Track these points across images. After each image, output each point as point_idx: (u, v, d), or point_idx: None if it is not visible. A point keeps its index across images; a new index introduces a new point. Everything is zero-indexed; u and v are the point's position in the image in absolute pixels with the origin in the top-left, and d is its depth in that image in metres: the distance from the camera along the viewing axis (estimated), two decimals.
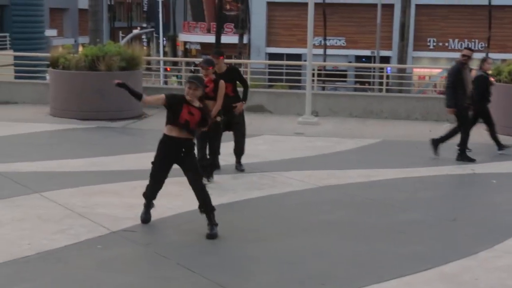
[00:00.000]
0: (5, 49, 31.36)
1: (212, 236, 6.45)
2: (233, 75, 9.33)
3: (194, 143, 6.74)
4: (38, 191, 7.99)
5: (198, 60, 22.42)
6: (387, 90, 16.85)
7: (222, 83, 8.49)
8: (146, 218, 6.83)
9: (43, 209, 7.27)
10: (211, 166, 8.69)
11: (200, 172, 6.76)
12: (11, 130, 12.38)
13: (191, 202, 7.65)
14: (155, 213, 7.15)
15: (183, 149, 6.54)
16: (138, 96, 6.63)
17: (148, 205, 6.88)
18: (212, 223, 6.52)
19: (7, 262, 5.71)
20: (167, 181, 8.18)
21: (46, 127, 12.88)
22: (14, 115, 14.23)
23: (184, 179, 7.91)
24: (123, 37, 49.09)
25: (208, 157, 8.68)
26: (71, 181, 8.61)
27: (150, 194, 6.85)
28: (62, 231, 6.53)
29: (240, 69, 10.05)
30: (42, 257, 5.86)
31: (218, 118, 8.52)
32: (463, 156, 10.57)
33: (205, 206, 6.56)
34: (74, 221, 6.89)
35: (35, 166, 9.44)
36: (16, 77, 18.82)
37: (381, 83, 17.76)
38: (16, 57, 21.12)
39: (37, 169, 9.27)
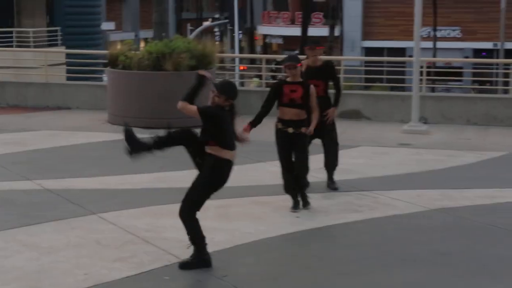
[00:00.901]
0: (56, 45, 32.40)
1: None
2: (328, 72, 9.39)
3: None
4: (95, 211, 8.23)
5: (280, 57, 22.56)
6: None
7: (313, 88, 8.40)
8: None
9: (101, 233, 7.48)
10: (301, 187, 8.52)
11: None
12: (63, 140, 12.79)
13: (276, 226, 7.72)
14: (232, 239, 7.23)
15: None
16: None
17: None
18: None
19: None
20: (245, 200, 8.27)
21: (104, 137, 13.23)
22: (66, 123, 14.70)
23: (267, 199, 7.99)
24: (191, 31, 49.95)
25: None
26: (133, 200, 8.82)
27: None
28: (124, 259, 6.69)
29: None
30: None
31: (304, 129, 8.37)
32: None
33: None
34: (138, 247, 7.04)
35: (92, 182, 9.72)
36: (68, 78, 19.47)
37: (506, 83, 17.37)
38: (68, 55, 21.86)
39: (95, 186, 9.54)
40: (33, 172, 10.19)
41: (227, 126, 6.50)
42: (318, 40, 9.69)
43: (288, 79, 8.40)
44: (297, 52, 32.75)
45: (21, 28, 32.92)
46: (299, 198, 8.51)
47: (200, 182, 6.52)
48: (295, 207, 8.40)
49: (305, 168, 8.56)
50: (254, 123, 8.30)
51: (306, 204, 8.48)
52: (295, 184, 8.47)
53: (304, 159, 8.50)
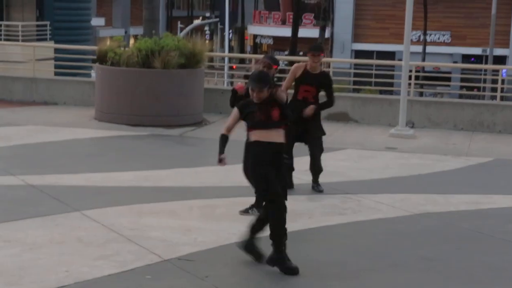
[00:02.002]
0: (45, 40, 32.30)
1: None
2: (324, 82, 9.41)
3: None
4: (79, 209, 8.19)
5: None
6: (502, 98, 16.53)
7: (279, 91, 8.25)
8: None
9: (84, 230, 7.45)
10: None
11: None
12: (49, 136, 12.75)
13: None
14: (216, 239, 7.23)
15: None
16: (224, 141, 6.66)
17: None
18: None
19: None
20: (231, 201, 8.25)
21: (91, 134, 13.21)
22: (53, 119, 14.65)
23: (252, 200, 7.99)
24: (182, 29, 49.93)
25: None
26: (118, 198, 8.80)
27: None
28: (106, 257, 6.67)
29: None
30: (81, 287, 5.99)
31: None
32: None
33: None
34: (121, 246, 7.02)
35: (77, 179, 9.69)
36: (56, 74, 19.40)
37: (494, 89, 17.42)
38: (57, 50, 21.77)
39: (79, 183, 9.51)
40: (17, 168, 10.15)
41: None
42: (321, 46, 9.60)
43: None
44: (286, 53, 32.76)
45: (10, 21, 32.80)
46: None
47: None
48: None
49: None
50: None
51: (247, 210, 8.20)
52: None
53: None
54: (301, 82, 9.34)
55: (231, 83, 26.36)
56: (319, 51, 9.35)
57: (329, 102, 9.57)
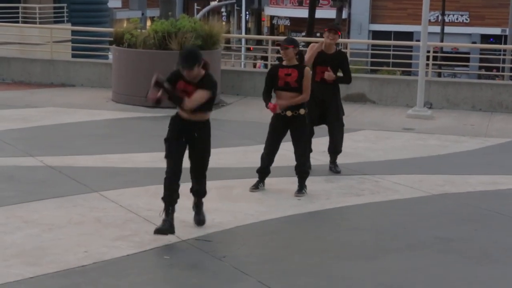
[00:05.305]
0: (62, 22, 32.36)
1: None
2: (340, 61, 9.38)
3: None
4: (97, 190, 8.25)
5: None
6: None
7: (308, 71, 8.24)
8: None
9: (103, 211, 7.50)
10: (302, 174, 8.44)
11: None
12: (66, 117, 12.81)
13: (277, 208, 7.73)
14: (233, 220, 7.25)
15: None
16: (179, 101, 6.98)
17: None
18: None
19: (61, 272, 5.91)
20: (248, 181, 8.28)
21: (108, 115, 13.26)
22: (70, 100, 14.71)
23: (269, 181, 8.01)
24: (198, 10, 49.85)
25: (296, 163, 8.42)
26: (136, 179, 8.85)
27: None
28: (125, 238, 6.71)
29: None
30: (100, 267, 6.04)
31: (302, 111, 8.24)
32: None
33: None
34: (139, 226, 7.06)
35: (94, 160, 9.74)
36: (73, 56, 19.49)
37: None
38: (74, 32, 21.82)
39: (97, 164, 9.56)
40: (36, 149, 10.22)
41: None
42: (339, 26, 9.61)
43: (284, 63, 8.31)
44: (303, 34, 32.66)
45: (28, 4, 32.87)
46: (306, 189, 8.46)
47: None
48: (256, 186, 8.41)
49: (304, 155, 8.47)
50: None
51: (300, 191, 8.36)
52: (296, 173, 8.42)
53: (302, 146, 8.38)
54: (317, 63, 9.29)
55: (254, 65, 26.25)
56: (336, 30, 9.33)
57: (346, 79, 9.50)
